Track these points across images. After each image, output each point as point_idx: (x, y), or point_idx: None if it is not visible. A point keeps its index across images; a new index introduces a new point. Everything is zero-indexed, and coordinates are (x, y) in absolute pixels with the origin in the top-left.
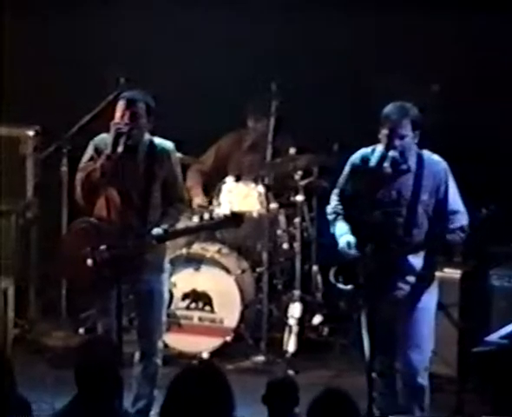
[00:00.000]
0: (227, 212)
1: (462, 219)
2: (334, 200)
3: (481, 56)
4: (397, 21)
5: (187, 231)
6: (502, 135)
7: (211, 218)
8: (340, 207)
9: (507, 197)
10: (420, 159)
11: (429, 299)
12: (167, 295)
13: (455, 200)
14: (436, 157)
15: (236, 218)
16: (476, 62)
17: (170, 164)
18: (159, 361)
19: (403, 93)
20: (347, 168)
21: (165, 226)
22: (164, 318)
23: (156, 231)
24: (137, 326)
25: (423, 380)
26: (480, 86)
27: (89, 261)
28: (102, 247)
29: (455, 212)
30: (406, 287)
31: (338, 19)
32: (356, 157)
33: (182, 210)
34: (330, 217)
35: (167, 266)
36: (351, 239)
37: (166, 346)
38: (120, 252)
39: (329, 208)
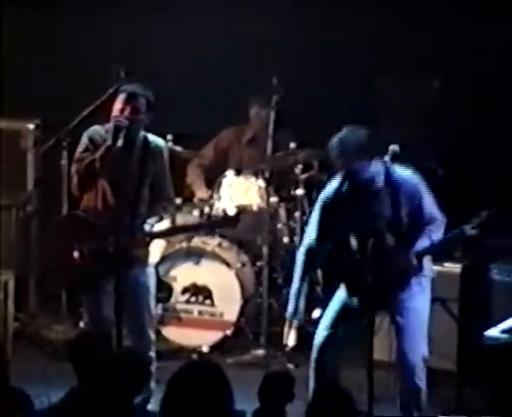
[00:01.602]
0: (225, 211)
1: (440, 225)
2: (304, 251)
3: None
4: (399, 17)
5: (182, 229)
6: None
7: (209, 216)
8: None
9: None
10: (390, 177)
11: (424, 299)
12: (153, 288)
13: (429, 210)
14: (406, 173)
15: (232, 219)
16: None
17: (162, 162)
18: (152, 354)
19: (404, 89)
20: (318, 208)
21: (159, 223)
22: (153, 311)
23: (150, 228)
24: (127, 322)
25: (420, 380)
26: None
27: (76, 254)
28: (89, 241)
29: (431, 221)
30: (404, 292)
31: (340, 14)
32: (324, 195)
33: (168, 209)
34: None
35: (152, 259)
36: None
37: (165, 339)
38: (109, 247)
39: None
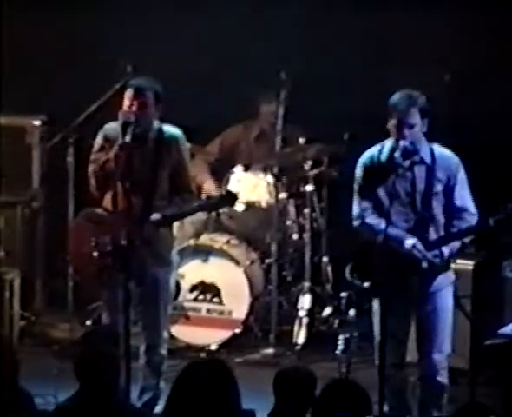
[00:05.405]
0: (224, 191)
1: (471, 219)
2: (357, 207)
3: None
4: (409, 10)
5: (184, 214)
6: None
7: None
8: (366, 210)
9: None
10: (431, 152)
11: (447, 296)
12: (173, 288)
13: (462, 196)
14: (447, 152)
15: (230, 197)
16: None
17: (178, 152)
18: (164, 352)
19: (414, 82)
20: (359, 172)
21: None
22: (170, 310)
23: (154, 216)
24: (142, 318)
25: (443, 378)
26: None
27: (95, 253)
28: (106, 237)
29: (461, 209)
30: (425, 285)
31: (350, 8)
32: (365, 157)
33: (189, 201)
34: (356, 222)
35: (174, 258)
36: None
37: (173, 338)
38: (122, 242)
39: (355, 214)
